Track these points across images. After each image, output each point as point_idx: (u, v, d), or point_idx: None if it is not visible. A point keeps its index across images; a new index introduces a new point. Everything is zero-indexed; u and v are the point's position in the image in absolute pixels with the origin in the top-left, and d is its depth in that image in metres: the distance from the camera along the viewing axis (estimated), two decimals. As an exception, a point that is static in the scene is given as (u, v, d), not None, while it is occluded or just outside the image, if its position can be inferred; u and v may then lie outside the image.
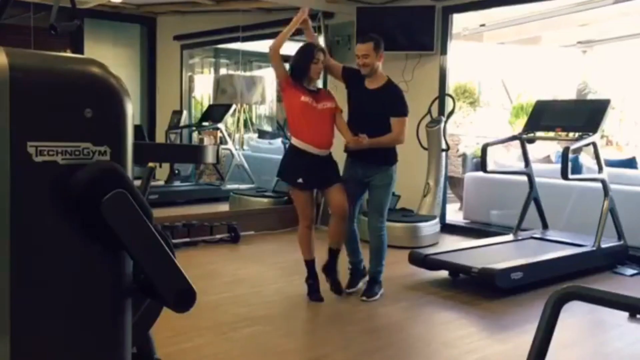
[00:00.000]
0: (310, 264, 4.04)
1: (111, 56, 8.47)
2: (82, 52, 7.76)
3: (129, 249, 0.99)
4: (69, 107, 0.98)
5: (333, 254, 4.03)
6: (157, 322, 1.39)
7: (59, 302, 0.98)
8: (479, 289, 4.22)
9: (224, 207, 7.24)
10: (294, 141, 3.94)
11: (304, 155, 3.88)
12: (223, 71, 10.06)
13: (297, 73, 3.91)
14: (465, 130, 10.94)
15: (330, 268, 4.05)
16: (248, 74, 9.04)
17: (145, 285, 1.07)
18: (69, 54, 1.05)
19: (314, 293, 4.00)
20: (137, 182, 1.23)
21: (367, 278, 4.23)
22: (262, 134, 9.58)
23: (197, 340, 3.24)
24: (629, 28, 8.57)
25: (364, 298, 4.01)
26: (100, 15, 8.21)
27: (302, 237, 4.03)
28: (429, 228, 5.80)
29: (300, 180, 3.91)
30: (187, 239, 5.52)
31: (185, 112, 8.78)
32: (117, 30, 8.97)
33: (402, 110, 4.00)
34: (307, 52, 3.90)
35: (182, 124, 8.55)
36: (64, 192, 0.96)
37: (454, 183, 8.01)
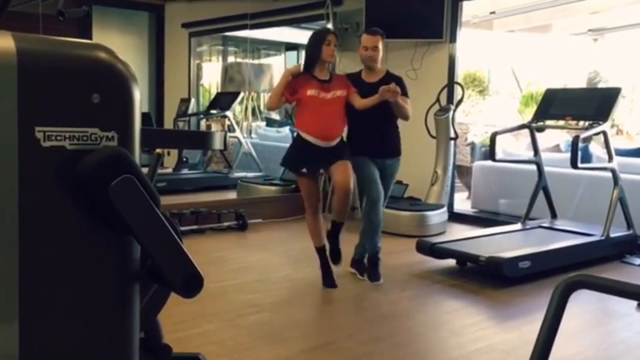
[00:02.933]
0: (320, 250, 4.05)
1: (119, 44, 8.47)
2: (90, 40, 7.76)
3: (137, 234, 0.99)
4: (76, 93, 0.98)
5: (335, 225, 4.04)
6: (164, 308, 1.40)
7: (66, 286, 0.99)
8: (487, 278, 4.22)
9: (231, 195, 7.25)
10: (301, 133, 3.94)
11: (310, 147, 3.90)
12: (231, 59, 10.05)
13: (309, 60, 3.91)
14: (474, 119, 10.91)
15: (332, 236, 4.07)
16: (256, 61, 9.03)
17: (152, 270, 1.07)
18: (76, 40, 1.04)
19: (327, 278, 4.02)
20: (145, 170, 1.23)
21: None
22: (270, 122, 9.57)
23: (204, 327, 3.26)
24: (641, 16, 8.48)
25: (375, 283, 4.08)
26: (109, 3, 8.22)
27: (309, 223, 4.06)
28: (437, 217, 5.79)
29: (304, 170, 3.94)
30: (195, 227, 5.54)
31: (193, 100, 8.77)
32: (126, 18, 8.96)
33: (405, 92, 4.05)
34: (319, 35, 3.94)
35: (190, 111, 8.54)
36: (72, 177, 0.96)
37: (462, 172, 7.99)
